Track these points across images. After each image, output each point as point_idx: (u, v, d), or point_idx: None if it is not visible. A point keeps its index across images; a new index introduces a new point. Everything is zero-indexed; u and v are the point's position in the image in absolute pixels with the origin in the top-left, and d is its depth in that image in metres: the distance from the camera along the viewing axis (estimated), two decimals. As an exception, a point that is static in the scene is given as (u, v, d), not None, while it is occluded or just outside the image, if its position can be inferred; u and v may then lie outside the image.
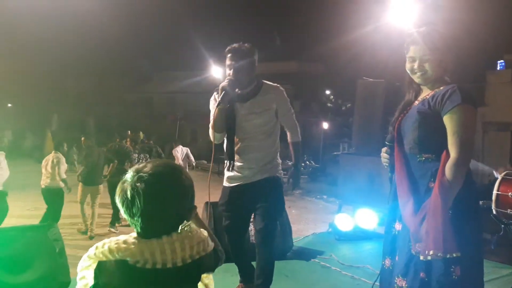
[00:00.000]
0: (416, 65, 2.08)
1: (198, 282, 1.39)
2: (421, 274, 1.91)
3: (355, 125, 6.37)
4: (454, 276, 1.86)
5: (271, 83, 3.19)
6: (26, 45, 29.13)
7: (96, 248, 1.28)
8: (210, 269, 1.43)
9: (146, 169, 1.28)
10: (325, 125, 20.51)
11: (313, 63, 28.69)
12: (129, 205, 1.26)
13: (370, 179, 5.46)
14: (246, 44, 3.04)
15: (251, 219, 3.36)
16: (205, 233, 1.40)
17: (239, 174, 3.16)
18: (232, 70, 2.99)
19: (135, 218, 1.26)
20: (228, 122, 3.07)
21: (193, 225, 1.40)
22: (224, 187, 3.27)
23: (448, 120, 1.94)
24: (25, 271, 3.22)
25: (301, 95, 27.48)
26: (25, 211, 7.49)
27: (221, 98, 2.93)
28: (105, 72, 33.41)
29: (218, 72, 22.26)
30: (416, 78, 2.12)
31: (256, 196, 3.12)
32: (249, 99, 3.08)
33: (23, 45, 29.03)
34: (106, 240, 1.29)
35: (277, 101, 3.13)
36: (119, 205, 1.29)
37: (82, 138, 7.19)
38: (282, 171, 3.28)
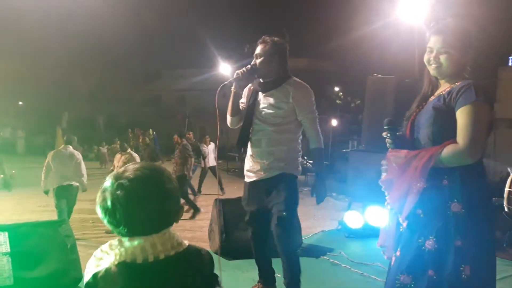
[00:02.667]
0: (432, 56, 2.05)
1: (198, 273, 1.33)
2: (430, 272, 1.89)
3: (364, 122, 6.34)
4: (463, 275, 1.84)
5: (299, 80, 3.14)
6: (37, 44, 29.42)
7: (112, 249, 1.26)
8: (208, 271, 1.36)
9: (126, 175, 1.24)
10: (334, 122, 20.42)
11: (322, 60, 28.61)
12: (111, 213, 1.22)
13: (379, 176, 5.41)
14: (276, 38, 3.09)
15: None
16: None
17: (253, 168, 3.15)
18: (256, 58, 3.08)
19: (120, 227, 1.23)
20: (248, 109, 3.15)
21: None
22: (244, 182, 3.28)
23: (460, 115, 1.92)
24: (38, 266, 3.26)
25: (310, 92, 27.36)
26: (37, 208, 7.58)
27: (230, 81, 3.06)
28: (114, 70, 33.65)
29: (227, 69, 22.26)
30: (431, 70, 2.09)
31: (270, 193, 3.08)
32: (268, 90, 3.09)
33: (34, 44, 29.33)
34: (103, 247, 1.28)
35: (294, 98, 3.04)
36: (100, 214, 1.25)
37: (140, 137, 7.42)
38: (300, 170, 3.20)
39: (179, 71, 33.68)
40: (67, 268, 3.40)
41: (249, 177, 3.19)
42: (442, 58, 2.02)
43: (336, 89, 27.71)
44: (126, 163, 6.03)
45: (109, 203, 1.22)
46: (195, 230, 5.80)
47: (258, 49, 3.08)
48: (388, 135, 2.17)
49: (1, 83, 21.83)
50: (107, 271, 1.22)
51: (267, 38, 3.09)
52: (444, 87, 2.06)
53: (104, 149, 18.22)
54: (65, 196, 5.54)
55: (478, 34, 2.06)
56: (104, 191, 1.25)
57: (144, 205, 1.23)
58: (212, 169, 10.58)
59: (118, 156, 6.63)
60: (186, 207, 6.68)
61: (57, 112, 26.17)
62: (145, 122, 23.09)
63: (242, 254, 3.43)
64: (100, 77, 33.23)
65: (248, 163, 3.18)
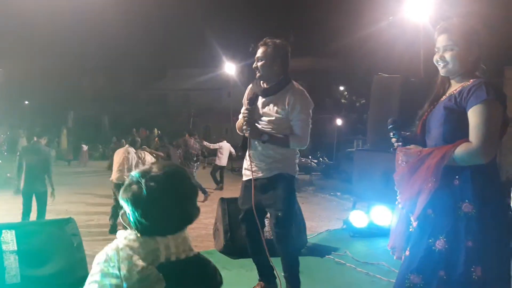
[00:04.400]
0: (439, 56, 2.04)
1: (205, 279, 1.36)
2: (441, 273, 1.88)
3: (370, 121, 6.32)
4: (474, 276, 1.82)
5: (299, 88, 3.14)
6: (42, 44, 29.58)
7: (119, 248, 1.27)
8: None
9: (155, 170, 1.28)
10: (339, 122, 20.41)
11: (327, 59, 28.55)
12: (138, 204, 1.25)
13: (385, 176, 5.41)
14: (277, 40, 3.06)
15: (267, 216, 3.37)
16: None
17: (247, 169, 3.17)
18: (257, 62, 3.08)
19: (142, 222, 1.26)
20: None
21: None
22: (242, 181, 3.30)
23: (471, 115, 1.90)
24: (44, 264, 3.28)
25: (314, 92, 27.33)
26: (43, 207, 7.61)
27: (249, 102, 3.12)
28: (119, 70, 33.78)
29: (231, 69, 22.30)
30: (440, 70, 2.07)
31: (266, 192, 3.10)
32: (268, 95, 3.10)
33: (39, 44, 29.49)
34: (118, 242, 1.29)
35: (290, 104, 3.04)
36: (126, 205, 1.28)
37: (156, 139, 7.50)
38: (297, 170, 3.21)
39: (184, 70, 33.74)
40: (74, 266, 3.42)
41: (246, 176, 3.20)
42: (448, 56, 2.01)
43: (341, 88, 27.64)
44: (142, 159, 6.12)
45: (136, 196, 1.25)
46: (199, 229, 5.81)
47: (259, 52, 3.06)
48: (392, 134, 2.16)
49: (7, 83, 21.98)
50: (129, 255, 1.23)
51: (269, 40, 3.05)
52: (455, 87, 2.05)
53: (85, 148, 18.18)
54: None
55: (484, 32, 2.04)
56: (130, 184, 1.27)
57: (171, 201, 1.26)
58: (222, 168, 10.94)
59: (120, 151, 6.50)
60: None
61: (62, 112, 26.30)
62: (150, 121, 23.17)
63: (246, 252, 3.43)
64: (106, 77, 33.36)
65: (246, 163, 3.21)
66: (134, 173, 1.30)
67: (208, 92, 31.72)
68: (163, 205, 1.26)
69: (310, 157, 15.95)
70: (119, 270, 1.23)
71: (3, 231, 3.24)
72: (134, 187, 1.26)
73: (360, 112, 21.02)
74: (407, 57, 13.20)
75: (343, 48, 24.38)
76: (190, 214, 1.33)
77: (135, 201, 1.25)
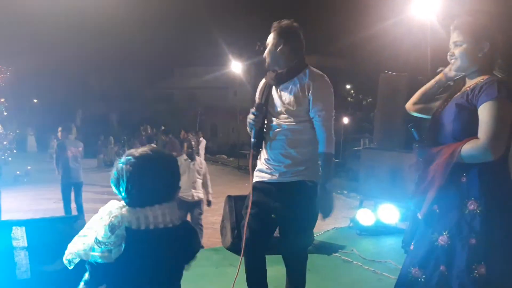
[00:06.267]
0: (450, 52, 2.05)
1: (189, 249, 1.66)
2: (442, 268, 1.88)
3: (376, 119, 6.31)
4: (475, 274, 1.81)
5: (317, 71, 2.69)
6: (51, 43, 29.78)
7: (110, 212, 1.54)
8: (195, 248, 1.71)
9: (135, 153, 1.58)
10: (346, 120, 20.34)
11: (333, 57, 28.46)
12: (123, 180, 1.53)
13: (392, 174, 5.41)
14: (284, 21, 2.66)
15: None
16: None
17: (263, 168, 2.69)
18: (267, 47, 2.70)
19: (128, 191, 1.53)
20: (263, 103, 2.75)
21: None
22: (252, 185, 2.73)
23: (481, 112, 1.89)
24: (54, 260, 3.31)
25: (321, 90, 27.21)
26: (52, 204, 7.70)
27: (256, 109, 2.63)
28: (127, 69, 33.93)
29: (238, 67, 22.29)
30: (453, 68, 2.07)
31: (279, 201, 2.58)
32: (282, 83, 2.65)
33: (48, 43, 29.69)
34: (109, 206, 1.57)
35: (312, 92, 2.57)
36: (114, 183, 1.56)
37: (162, 136, 7.79)
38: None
39: (190, 69, 33.80)
40: (83, 263, 3.46)
41: (259, 177, 2.69)
42: (457, 52, 2.01)
43: (348, 86, 27.56)
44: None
45: (124, 171, 1.54)
46: (206, 227, 5.83)
47: (268, 39, 2.69)
48: (413, 132, 2.15)
49: (17, 81, 22.18)
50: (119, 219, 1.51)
51: (275, 23, 2.67)
52: (469, 84, 2.04)
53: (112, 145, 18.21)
54: None
55: (493, 28, 2.02)
56: (116, 167, 1.57)
57: (151, 175, 1.55)
58: None
59: None
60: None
61: (71, 110, 26.49)
62: (157, 119, 23.25)
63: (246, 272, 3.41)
64: (113, 76, 33.52)
65: (261, 165, 2.71)
66: (120, 159, 1.58)
67: (214, 91, 31.73)
68: (144, 179, 1.53)
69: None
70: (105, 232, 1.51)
71: (14, 227, 3.28)
72: (119, 166, 1.55)
73: (366, 111, 20.95)
74: (413, 55, 13.13)
75: (349, 46, 24.32)
76: (169, 188, 1.60)
77: (119, 178, 1.54)
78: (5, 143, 10.72)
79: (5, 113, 13.09)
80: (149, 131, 18.63)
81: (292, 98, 2.61)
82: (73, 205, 5.79)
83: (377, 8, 16.37)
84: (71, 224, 3.61)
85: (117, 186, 1.55)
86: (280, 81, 2.66)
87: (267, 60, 2.71)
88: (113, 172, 1.56)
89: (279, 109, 2.65)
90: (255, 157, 2.76)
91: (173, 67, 36.26)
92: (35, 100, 31.90)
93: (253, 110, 2.66)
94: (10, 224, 3.36)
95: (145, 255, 1.51)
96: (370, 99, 21.47)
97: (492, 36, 1.99)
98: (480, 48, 1.98)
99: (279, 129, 2.63)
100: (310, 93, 2.57)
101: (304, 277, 2.73)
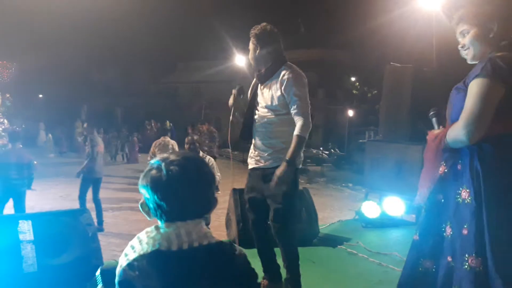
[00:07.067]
0: (460, 45, 1.98)
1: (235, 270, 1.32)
2: (448, 258, 1.86)
3: (382, 111, 6.27)
4: (465, 265, 1.76)
5: (292, 66, 3.02)
6: (55, 39, 29.83)
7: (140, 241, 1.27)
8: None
9: (174, 156, 1.29)
10: (351, 113, 20.27)
11: (338, 50, 28.30)
12: (157, 187, 1.26)
13: (397, 167, 5.39)
14: (258, 26, 3.05)
15: None
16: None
17: (254, 156, 3.15)
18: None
19: (162, 207, 1.26)
20: (250, 101, 3.18)
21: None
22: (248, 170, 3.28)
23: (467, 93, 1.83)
24: (61, 254, 3.34)
25: (325, 83, 27.17)
26: (58, 198, 7.75)
27: (232, 108, 3.23)
28: (130, 64, 33.96)
29: (242, 61, 22.24)
30: (467, 59, 1.99)
31: (267, 183, 2.97)
32: (264, 81, 3.07)
33: (52, 39, 29.74)
34: (141, 236, 1.29)
35: (283, 85, 2.93)
36: (145, 190, 1.29)
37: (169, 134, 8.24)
38: (302, 161, 3.08)
39: (194, 63, 33.74)
40: (88, 256, 3.47)
41: (250, 164, 3.19)
42: (466, 40, 1.95)
43: (353, 79, 27.40)
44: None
45: (156, 180, 1.26)
46: (212, 220, 5.86)
47: (249, 45, 3.13)
48: (434, 122, 2.11)
49: (22, 77, 22.28)
50: (139, 261, 1.22)
51: (252, 30, 3.06)
52: None
53: (80, 139, 18.11)
54: None
55: (498, 11, 1.92)
56: (150, 170, 1.29)
57: (190, 185, 1.27)
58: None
59: (158, 141, 7.23)
60: None
61: (76, 105, 26.59)
62: (161, 114, 23.27)
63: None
64: (118, 71, 33.56)
65: (251, 151, 3.20)
66: (154, 160, 1.31)
67: (219, 85, 31.66)
68: (182, 189, 1.26)
69: (321, 148, 15.89)
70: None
71: (20, 221, 3.30)
72: (154, 171, 1.28)
73: (371, 103, 20.84)
74: (419, 47, 13.02)
75: (354, 38, 24.13)
76: (208, 201, 1.33)
77: (154, 185, 1.26)
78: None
79: (9, 105, 13.13)
80: (154, 126, 18.68)
81: (271, 94, 3.00)
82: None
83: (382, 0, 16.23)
84: (77, 218, 3.63)
85: (156, 193, 1.27)
86: (262, 80, 3.08)
87: (252, 63, 3.14)
88: (147, 177, 1.29)
89: (262, 104, 3.07)
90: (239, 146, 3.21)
91: (177, 61, 36.22)
92: (40, 95, 32.03)
93: (234, 91, 3.20)
94: (17, 218, 3.38)
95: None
96: (375, 91, 21.36)
97: (498, 16, 1.89)
98: (489, 29, 1.89)
99: (262, 122, 3.06)
100: (283, 87, 2.93)
101: (296, 251, 3.06)
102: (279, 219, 3.00)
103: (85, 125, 6.11)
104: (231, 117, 3.25)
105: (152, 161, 1.31)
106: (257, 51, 3.04)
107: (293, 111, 2.92)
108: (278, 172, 2.85)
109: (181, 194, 1.26)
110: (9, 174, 4.99)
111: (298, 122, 2.88)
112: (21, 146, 5.35)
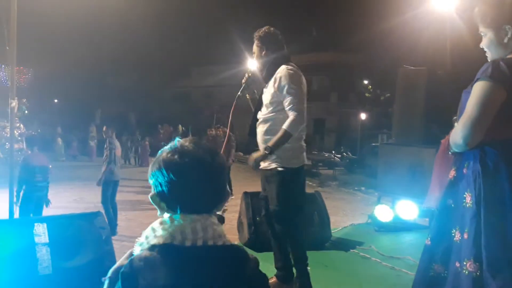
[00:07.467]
0: (481, 44, 1.96)
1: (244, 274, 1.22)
2: (456, 264, 1.83)
3: (395, 114, 6.23)
4: (465, 271, 1.74)
5: (288, 66, 3.05)
6: (70, 44, 30.32)
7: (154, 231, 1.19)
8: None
9: (187, 143, 1.22)
10: (363, 116, 20.16)
11: (350, 52, 28.15)
12: (169, 170, 1.18)
13: (411, 170, 5.34)
14: (261, 30, 3.18)
15: None
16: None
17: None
18: None
19: (175, 198, 1.19)
20: (259, 101, 3.28)
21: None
22: None
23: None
24: (75, 256, 3.39)
25: (338, 86, 27.07)
26: (71, 201, 7.85)
27: (240, 94, 3.34)
28: (145, 69, 34.32)
29: (254, 65, 22.35)
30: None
31: (268, 184, 3.16)
32: (266, 81, 3.18)
33: (67, 44, 30.24)
34: (155, 226, 1.21)
35: (277, 82, 3.00)
36: (155, 178, 1.21)
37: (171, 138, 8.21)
38: (297, 161, 3.10)
39: (207, 67, 33.93)
40: (102, 259, 3.51)
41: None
42: (484, 44, 1.94)
43: (365, 82, 27.24)
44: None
45: (168, 161, 1.18)
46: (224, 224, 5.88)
47: (253, 47, 3.23)
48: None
49: (37, 82, 22.67)
50: (149, 251, 1.15)
51: (255, 33, 3.17)
52: None
53: (92, 143, 18.13)
54: None
55: (510, 10, 1.90)
56: (161, 154, 1.22)
57: (203, 164, 1.19)
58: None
59: None
60: None
61: (90, 109, 26.92)
62: (174, 118, 23.45)
63: (270, 246, 3.45)
64: (132, 76, 33.94)
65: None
66: (166, 147, 1.24)
67: (231, 88, 31.78)
68: (194, 177, 1.18)
69: (333, 152, 15.83)
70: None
71: (35, 224, 3.36)
72: (165, 154, 1.20)
73: (384, 106, 20.69)
74: (432, 49, 12.89)
75: (366, 41, 23.97)
76: (222, 186, 1.25)
77: (167, 165, 1.18)
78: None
79: (26, 112, 13.33)
80: (167, 130, 18.84)
81: (269, 93, 3.08)
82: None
83: (395, 1, 16.13)
84: (91, 221, 3.67)
85: (168, 183, 1.19)
86: (265, 80, 3.17)
87: (257, 64, 3.24)
88: (158, 162, 1.21)
89: (263, 103, 3.16)
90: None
91: (190, 66, 36.49)
92: (55, 100, 32.53)
93: (243, 81, 3.30)
94: (32, 221, 3.44)
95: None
96: (388, 94, 21.18)
97: (511, 18, 1.85)
98: (504, 33, 1.86)
99: (261, 120, 3.15)
100: (276, 84, 2.99)
101: (302, 251, 3.13)
102: (279, 220, 3.10)
103: (104, 128, 6.16)
104: (239, 93, 3.36)
105: (162, 153, 1.23)
106: (262, 53, 3.15)
107: (286, 108, 2.96)
108: (255, 155, 3.00)
109: (195, 174, 1.17)
110: (35, 178, 5.08)
111: (289, 117, 2.92)
112: (37, 151, 5.43)
